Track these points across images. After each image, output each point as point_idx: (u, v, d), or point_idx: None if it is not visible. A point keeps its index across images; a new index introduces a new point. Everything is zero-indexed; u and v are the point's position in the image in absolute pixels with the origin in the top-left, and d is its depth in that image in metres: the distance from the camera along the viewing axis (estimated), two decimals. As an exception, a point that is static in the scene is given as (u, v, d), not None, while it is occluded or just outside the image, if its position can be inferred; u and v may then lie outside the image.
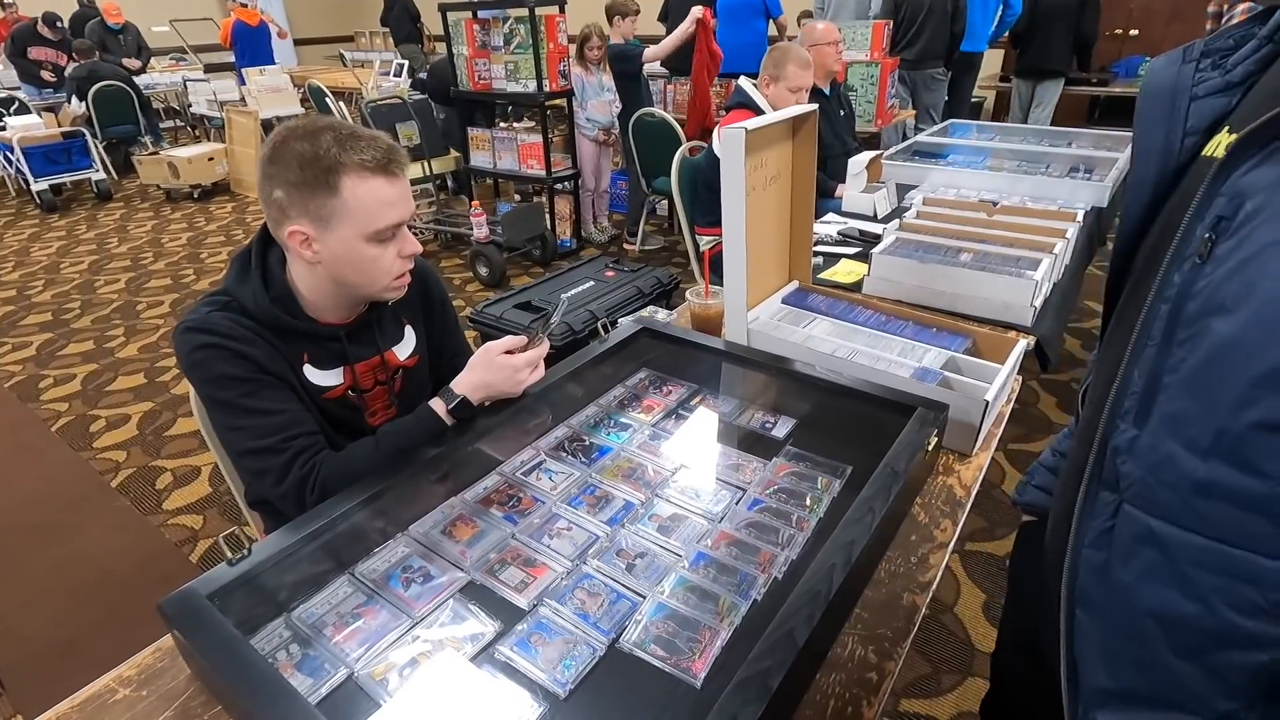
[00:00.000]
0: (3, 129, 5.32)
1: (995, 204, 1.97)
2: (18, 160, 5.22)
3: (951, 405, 1.01)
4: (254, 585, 0.79)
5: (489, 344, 1.02)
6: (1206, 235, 0.46)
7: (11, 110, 5.71)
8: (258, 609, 0.79)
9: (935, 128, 3.06)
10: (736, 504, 0.95)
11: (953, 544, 0.90)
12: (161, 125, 7.04)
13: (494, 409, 1.05)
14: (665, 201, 4.18)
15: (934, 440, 0.96)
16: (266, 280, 1.00)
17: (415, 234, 4.28)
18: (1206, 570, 0.47)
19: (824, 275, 1.74)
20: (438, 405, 1.00)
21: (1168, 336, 0.48)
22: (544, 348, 1.05)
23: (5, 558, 1.95)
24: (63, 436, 2.52)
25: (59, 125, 5.60)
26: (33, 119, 5.52)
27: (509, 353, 1.03)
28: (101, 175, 5.64)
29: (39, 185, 5.31)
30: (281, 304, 0.99)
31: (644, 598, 0.81)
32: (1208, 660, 0.49)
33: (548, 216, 3.98)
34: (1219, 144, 0.51)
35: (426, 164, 4.15)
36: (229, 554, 0.76)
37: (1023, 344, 1.18)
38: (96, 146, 5.65)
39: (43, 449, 2.46)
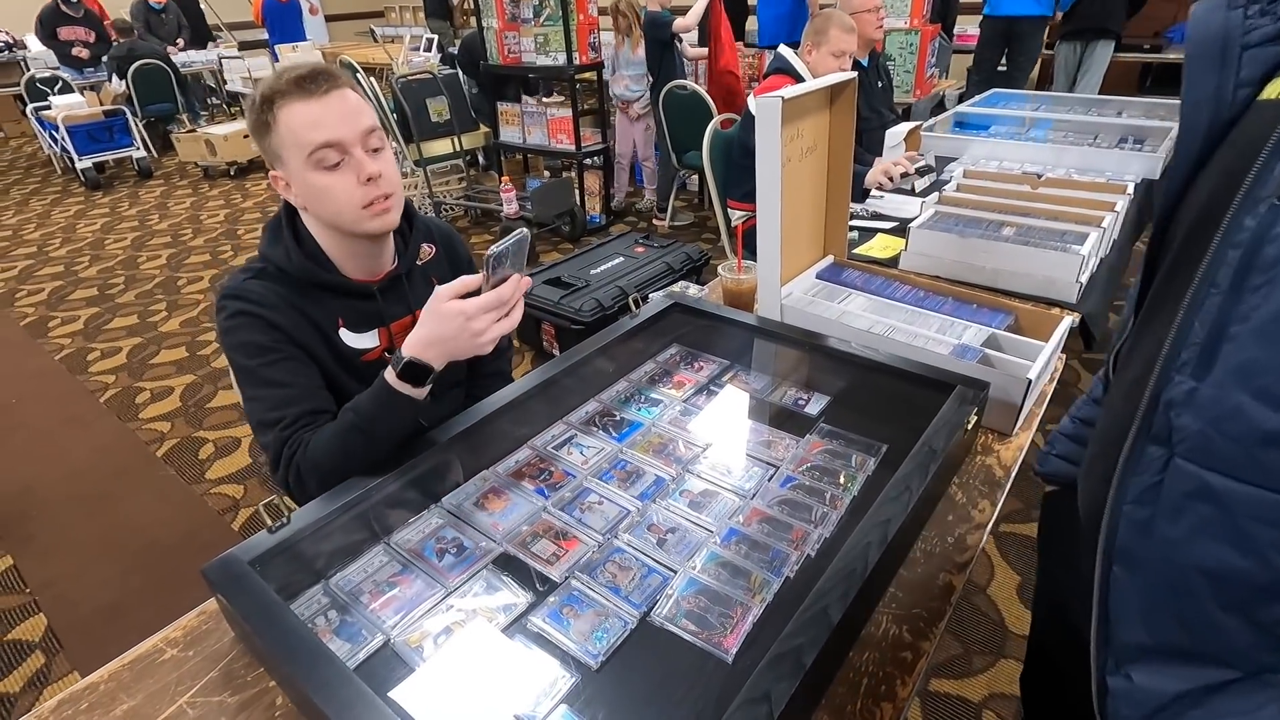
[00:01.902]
0: (48, 108, 5.45)
1: (1040, 176, 1.90)
2: (62, 139, 5.35)
3: (992, 384, 0.98)
4: (293, 553, 0.80)
5: (439, 289, 0.85)
6: None
7: (56, 90, 5.84)
8: (297, 576, 0.81)
9: (978, 97, 2.95)
10: (768, 481, 0.94)
11: (990, 525, 0.88)
12: (208, 102, 7.16)
13: (525, 384, 1.04)
14: (695, 176, 4.12)
15: (973, 419, 0.94)
16: (298, 240, 1.01)
17: (444, 210, 4.31)
18: (1266, 524, 0.46)
19: (860, 250, 1.70)
20: (388, 372, 0.88)
21: (1237, 284, 0.46)
22: (509, 287, 0.84)
23: (57, 527, 2.04)
24: (110, 408, 2.61)
25: (100, 104, 5.71)
26: (76, 98, 5.64)
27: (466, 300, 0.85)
28: (142, 153, 5.76)
29: (83, 163, 5.44)
30: (313, 259, 1.00)
31: (675, 572, 0.81)
32: (1258, 614, 0.48)
33: (577, 192, 3.96)
34: (1278, 88, 0.48)
35: (456, 139, 4.15)
36: (269, 522, 0.78)
37: (1067, 321, 1.14)
38: (136, 124, 5.76)
39: (91, 420, 2.55)
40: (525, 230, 0.83)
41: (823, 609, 0.64)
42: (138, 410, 2.59)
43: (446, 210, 4.37)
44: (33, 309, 3.49)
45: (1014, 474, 0.97)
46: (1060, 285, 1.38)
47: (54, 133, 5.47)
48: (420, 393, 0.88)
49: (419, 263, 1.12)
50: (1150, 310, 0.59)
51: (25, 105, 5.94)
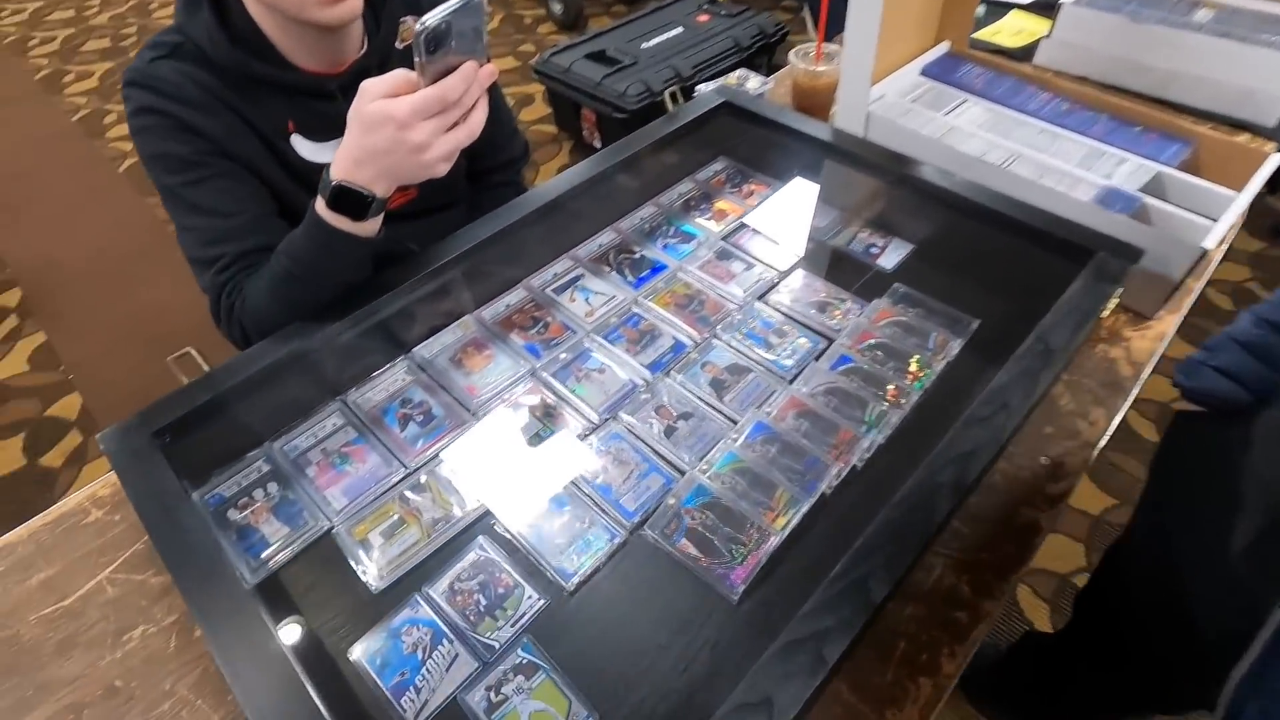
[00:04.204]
0: None
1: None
2: None
3: (1148, 249, 0.71)
4: (229, 409, 0.67)
5: (365, 83, 0.60)
6: None
7: None
8: (234, 437, 0.68)
9: None
10: (817, 359, 0.73)
11: (1103, 443, 0.68)
12: None
13: (527, 202, 0.82)
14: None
15: (1113, 303, 0.69)
16: (222, 10, 0.75)
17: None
18: None
19: (983, 33, 1.29)
20: (318, 201, 0.66)
21: None
22: (458, 79, 0.58)
23: (83, 306, 2.01)
24: (129, 181, 2.48)
25: None
26: None
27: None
28: None
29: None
30: (246, 45, 0.75)
31: (682, 474, 0.65)
32: None
33: (635, -63, 3.28)
34: None
35: None
36: (182, 379, 0.63)
37: (1275, 159, 0.81)
38: None
39: (109, 192, 2.43)
40: None
41: (860, 581, 0.48)
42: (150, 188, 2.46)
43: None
44: (46, 60, 3.25)
45: (1145, 375, 0.73)
46: (1263, 102, 1.00)
47: None
48: (365, 227, 0.67)
49: (399, 44, 0.84)
50: None
51: None
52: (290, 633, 0.55)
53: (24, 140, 2.73)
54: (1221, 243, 0.76)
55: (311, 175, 0.82)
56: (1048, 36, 1.18)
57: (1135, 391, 0.72)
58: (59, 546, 0.64)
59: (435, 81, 0.57)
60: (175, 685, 0.55)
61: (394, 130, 0.58)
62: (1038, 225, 0.75)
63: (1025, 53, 1.23)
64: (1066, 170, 0.84)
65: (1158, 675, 0.74)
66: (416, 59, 0.55)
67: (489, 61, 0.61)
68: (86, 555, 0.63)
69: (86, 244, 2.22)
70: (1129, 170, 0.84)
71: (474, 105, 0.60)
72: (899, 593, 0.58)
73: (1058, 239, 0.73)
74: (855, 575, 0.48)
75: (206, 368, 0.64)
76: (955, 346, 0.73)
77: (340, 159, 0.63)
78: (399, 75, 0.58)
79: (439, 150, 0.60)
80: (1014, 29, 1.31)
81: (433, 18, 0.53)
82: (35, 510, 0.66)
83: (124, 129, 2.71)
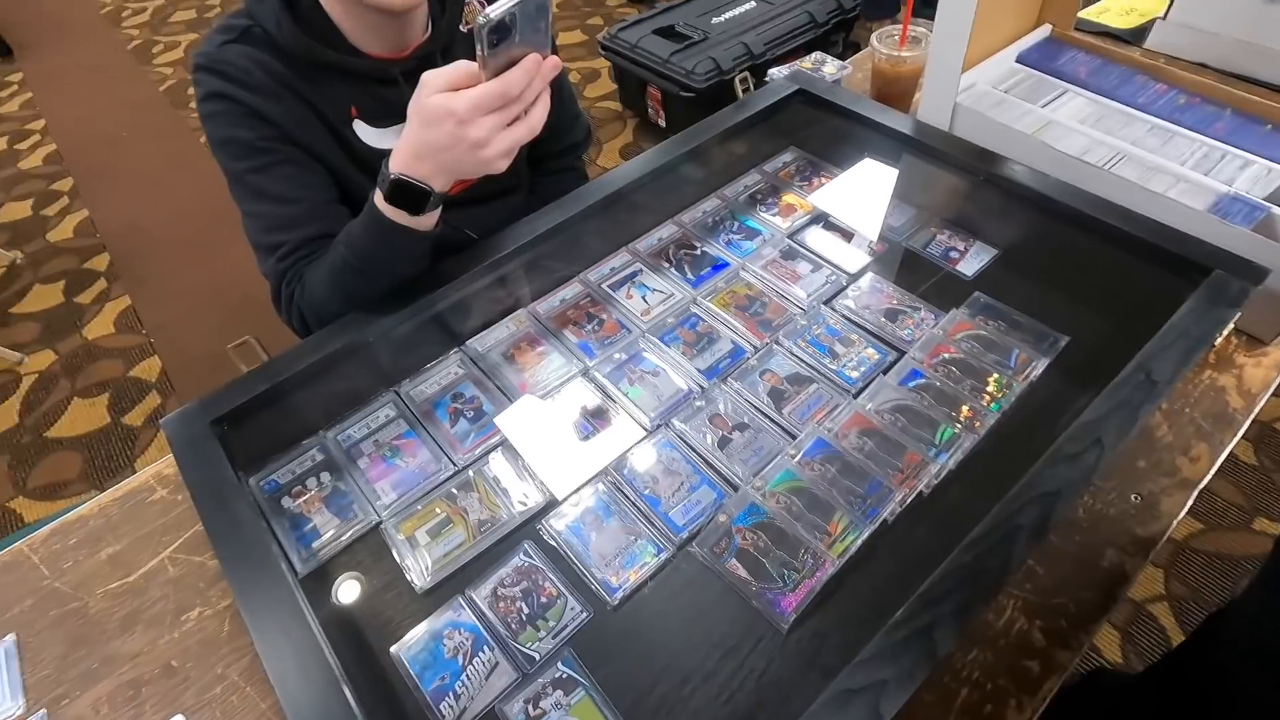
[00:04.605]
0: None
1: None
2: None
3: (1274, 268, 0.63)
4: (285, 399, 0.68)
5: (425, 76, 0.59)
6: None
7: None
8: (287, 426, 0.69)
9: None
10: (885, 373, 0.69)
11: (1206, 481, 0.61)
12: None
13: (586, 194, 0.80)
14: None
15: (1229, 328, 0.62)
16: (290, 2, 0.74)
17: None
18: None
19: (1088, 12, 1.18)
20: (376, 194, 0.66)
21: None
22: (519, 73, 0.56)
23: (166, 271, 2.11)
24: (208, 151, 2.56)
25: None
26: None
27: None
28: None
29: None
30: (313, 30, 0.75)
31: (735, 489, 0.62)
32: None
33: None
34: None
35: None
36: (241, 367, 0.64)
37: None
38: None
39: (193, 160, 2.53)
40: None
41: (925, 629, 0.44)
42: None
43: (555, -74, 3.66)
44: (137, 31, 3.39)
45: (1259, 407, 0.66)
46: None
47: None
48: (423, 221, 0.66)
49: (464, 27, 0.82)
50: None
51: None
52: (333, 627, 0.55)
53: (116, 107, 2.87)
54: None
55: (373, 161, 0.81)
56: (1163, 17, 1.07)
57: (1246, 426, 0.64)
58: (126, 522, 0.67)
59: (497, 74, 0.55)
60: (227, 670, 0.57)
61: (453, 126, 0.56)
62: (1142, 236, 0.68)
63: (1137, 34, 1.12)
64: (1180, 173, 0.76)
65: None
66: (479, 51, 0.53)
67: (554, 53, 0.58)
68: (150, 533, 0.66)
69: (169, 211, 2.32)
70: (1255, 175, 0.75)
71: (536, 100, 0.58)
72: (965, 633, 0.54)
73: (1166, 253, 0.66)
74: (920, 623, 0.44)
75: (265, 356, 0.65)
76: (1040, 366, 0.67)
77: (399, 152, 0.62)
78: (460, 68, 0.56)
79: (498, 146, 0.58)
80: (1124, 7, 1.19)
81: (496, 10, 0.50)
82: (119, 466, 0.69)
83: (206, 99, 2.82)
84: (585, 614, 0.56)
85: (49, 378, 1.86)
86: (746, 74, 1.92)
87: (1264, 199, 0.72)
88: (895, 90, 0.99)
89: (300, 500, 0.64)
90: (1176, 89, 0.87)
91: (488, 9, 0.50)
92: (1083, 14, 1.17)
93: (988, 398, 0.66)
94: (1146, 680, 0.88)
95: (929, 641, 0.44)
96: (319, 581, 0.58)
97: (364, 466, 0.67)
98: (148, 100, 2.87)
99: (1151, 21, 1.10)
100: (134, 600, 0.61)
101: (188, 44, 3.23)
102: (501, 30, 0.52)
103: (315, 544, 0.61)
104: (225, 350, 1.66)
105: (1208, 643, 0.78)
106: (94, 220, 2.34)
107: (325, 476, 0.66)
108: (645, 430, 0.67)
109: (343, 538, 0.61)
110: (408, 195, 0.63)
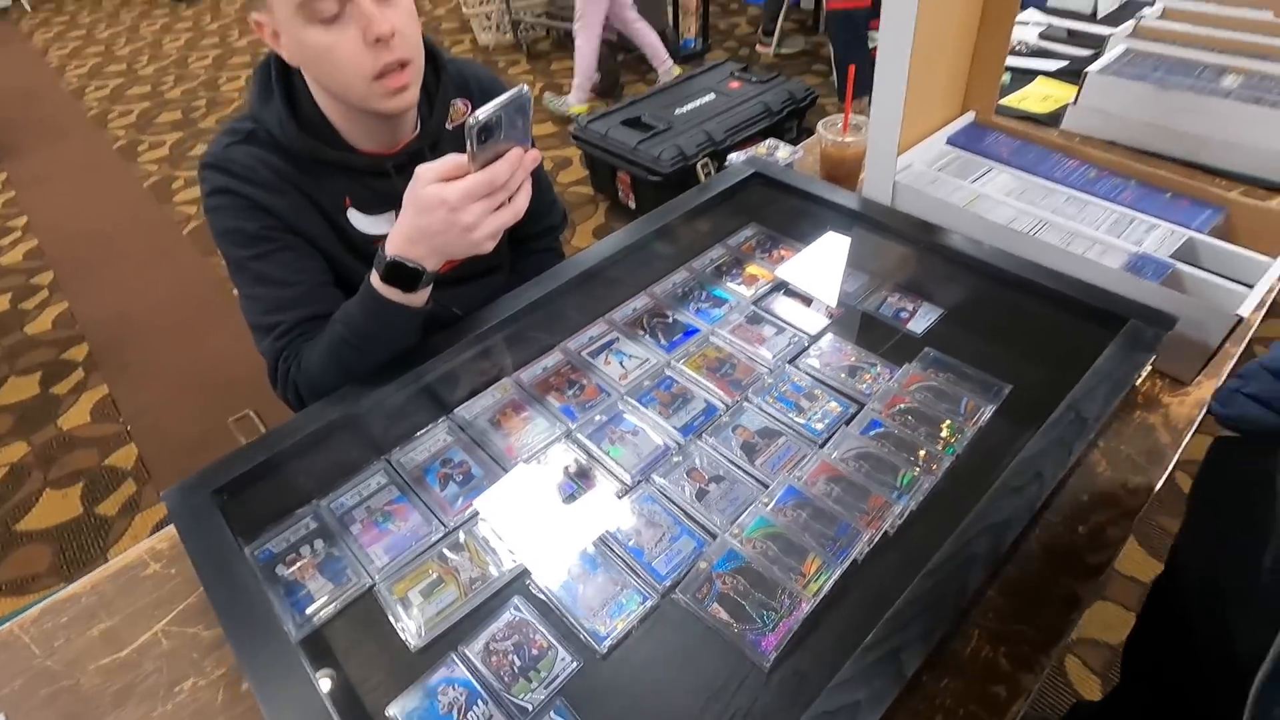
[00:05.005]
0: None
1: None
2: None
3: (1181, 318, 0.71)
4: (281, 469, 0.71)
5: (420, 168, 0.65)
6: None
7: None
8: (284, 495, 0.71)
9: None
10: (848, 424, 0.74)
11: (1143, 511, 0.66)
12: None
13: (565, 270, 0.86)
14: (812, -9, 3.47)
15: (1145, 370, 0.69)
16: (292, 100, 0.82)
17: (523, 30, 3.89)
18: None
19: (1009, 100, 1.32)
20: (373, 274, 0.72)
21: None
22: (504, 165, 0.63)
23: (149, 356, 2.13)
24: (193, 242, 2.63)
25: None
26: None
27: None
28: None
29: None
30: (313, 130, 0.82)
31: (714, 537, 0.66)
32: None
33: (670, 10, 3.44)
34: None
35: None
36: (240, 440, 0.67)
37: (1310, 226, 0.81)
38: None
39: (177, 252, 2.59)
40: (525, 86, 0.60)
41: (893, 653, 0.48)
42: (213, 250, 2.62)
43: (525, 31, 3.95)
44: (124, 131, 3.51)
45: (1187, 440, 0.72)
46: (1297, 165, 1.01)
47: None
48: (415, 298, 0.72)
49: (449, 125, 0.90)
50: None
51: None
52: (332, 688, 0.57)
53: (103, 204, 2.94)
54: (1259, 307, 0.75)
55: (366, 245, 0.88)
56: (1074, 102, 1.21)
57: (1175, 459, 0.71)
58: (120, 598, 0.67)
59: (484, 166, 0.62)
60: (221, 739, 0.57)
61: (446, 213, 0.63)
62: (1068, 292, 0.76)
63: (1052, 118, 1.25)
64: (1096, 237, 0.85)
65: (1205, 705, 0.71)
66: (468, 147, 0.60)
67: (533, 147, 0.66)
68: (143, 608, 0.67)
69: (153, 299, 2.36)
70: (1160, 237, 0.85)
71: (519, 188, 0.65)
72: (936, 664, 0.57)
73: (1089, 306, 0.74)
74: (888, 646, 0.48)
75: (263, 429, 0.68)
76: (987, 412, 0.74)
77: (395, 237, 0.68)
78: (451, 161, 0.63)
79: (486, 229, 0.65)
80: (1040, 95, 1.34)
81: (484, 112, 0.58)
82: (91, 557, 0.70)
83: (190, 194, 2.91)
84: (575, 664, 0.58)
85: (20, 469, 1.83)
86: (708, 159, 2.06)
87: (1170, 257, 0.81)
88: (842, 171, 1.09)
89: (294, 567, 0.66)
90: (1088, 164, 0.98)
91: (477, 111, 0.58)
92: (1005, 101, 1.31)
93: (942, 443, 0.71)
94: (1118, 688, 0.91)
95: (898, 663, 0.47)
96: (314, 645, 0.60)
97: (356, 532, 0.69)
98: (133, 196, 2.96)
99: (1064, 107, 1.23)
100: (127, 675, 0.62)
101: (173, 142, 3.35)
102: (488, 129, 0.60)
103: (309, 609, 0.63)
104: (204, 431, 1.66)
105: (1152, 611, 0.82)
106: (74, 311, 2.36)
107: (319, 543, 0.69)
108: (627, 486, 0.71)
109: (336, 600, 0.63)
110: (402, 275, 0.69)
